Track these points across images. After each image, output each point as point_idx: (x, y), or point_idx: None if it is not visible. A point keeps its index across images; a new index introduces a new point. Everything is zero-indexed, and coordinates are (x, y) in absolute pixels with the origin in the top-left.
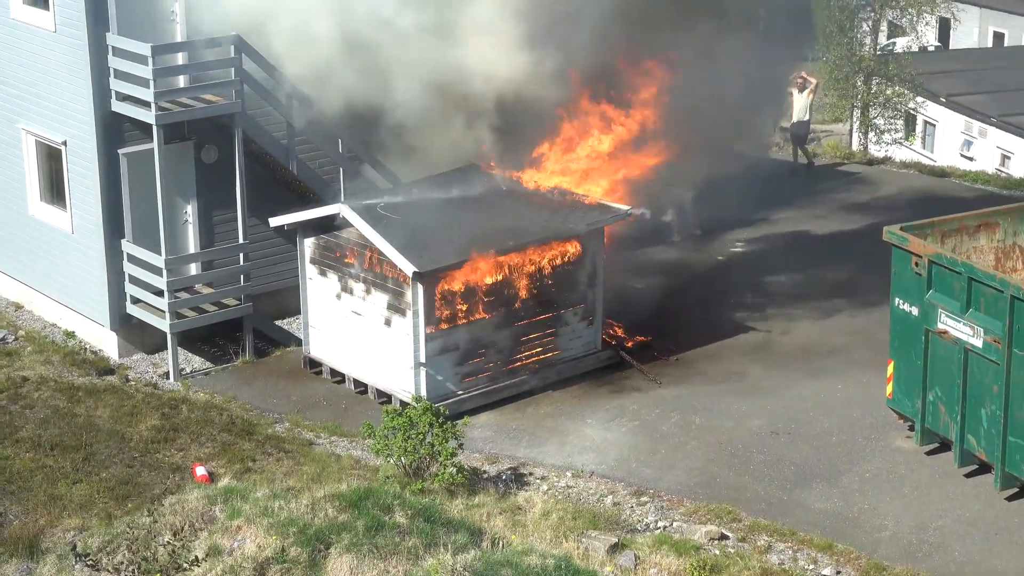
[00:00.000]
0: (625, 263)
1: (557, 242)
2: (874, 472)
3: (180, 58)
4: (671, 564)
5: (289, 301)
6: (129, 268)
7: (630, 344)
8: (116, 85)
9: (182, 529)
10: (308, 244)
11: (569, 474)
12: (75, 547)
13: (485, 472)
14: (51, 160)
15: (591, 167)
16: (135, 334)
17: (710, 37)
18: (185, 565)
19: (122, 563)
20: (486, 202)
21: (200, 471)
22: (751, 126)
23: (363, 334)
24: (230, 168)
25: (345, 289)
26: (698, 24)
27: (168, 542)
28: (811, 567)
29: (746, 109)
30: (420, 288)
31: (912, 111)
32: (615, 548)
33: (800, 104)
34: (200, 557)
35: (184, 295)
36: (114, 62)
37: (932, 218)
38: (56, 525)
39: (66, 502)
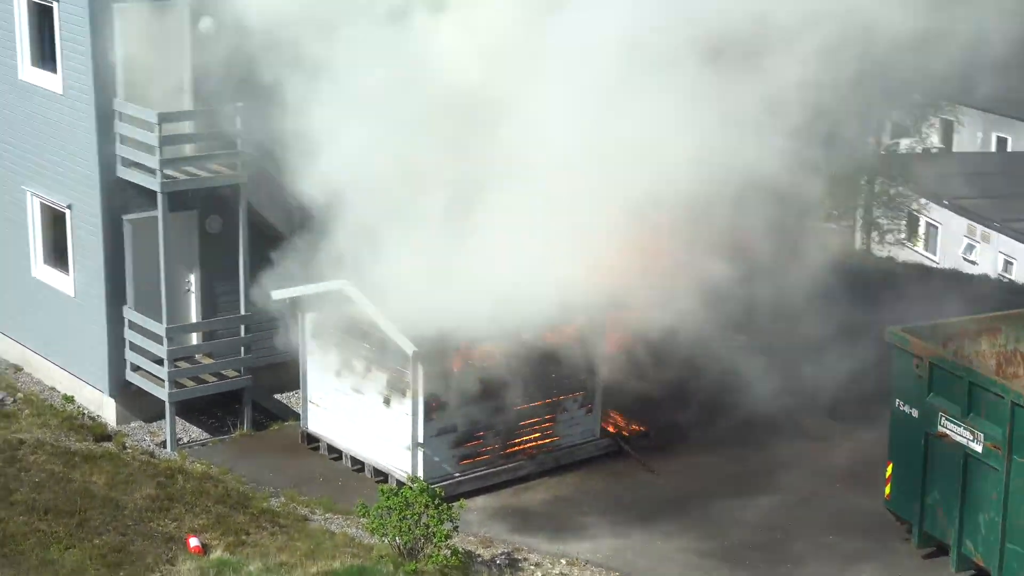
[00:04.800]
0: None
1: (558, 329)
2: (871, 574)
3: (187, 127)
4: None
5: (289, 375)
6: (130, 335)
7: (627, 434)
8: (122, 151)
9: None
10: (310, 319)
11: (564, 561)
12: None
13: (479, 556)
14: (55, 223)
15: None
16: (134, 401)
17: None
18: None
19: None
20: None
21: (194, 542)
22: None
23: (362, 412)
24: (234, 239)
25: (345, 366)
26: None
27: None
28: None
29: None
30: (420, 368)
31: (915, 212)
32: None
33: None
34: None
35: (184, 364)
36: (120, 127)
37: (935, 320)
38: None
39: (58, 567)
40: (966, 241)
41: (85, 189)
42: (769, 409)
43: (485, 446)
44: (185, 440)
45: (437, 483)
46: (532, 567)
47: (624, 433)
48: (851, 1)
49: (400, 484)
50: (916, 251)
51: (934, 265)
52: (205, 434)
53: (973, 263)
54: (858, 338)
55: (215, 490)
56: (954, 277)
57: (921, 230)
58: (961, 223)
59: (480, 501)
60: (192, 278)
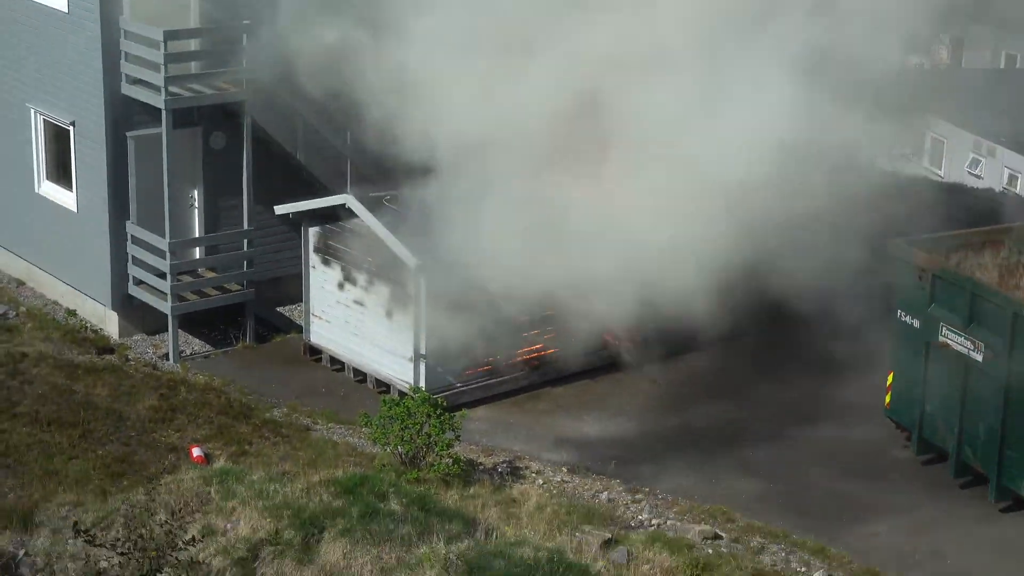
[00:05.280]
0: None
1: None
2: (871, 479)
3: (192, 44)
4: (664, 562)
5: (291, 289)
6: (133, 250)
7: (630, 344)
8: (127, 68)
9: (180, 509)
10: (313, 233)
11: (565, 469)
12: (76, 524)
13: (481, 464)
14: (59, 140)
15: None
16: (136, 315)
17: None
18: (180, 544)
19: (118, 539)
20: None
21: (196, 452)
22: None
23: (364, 324)
24: (237, 155)
25: (348, 279)
26: None
27: (165, 521)
28: (803, 569)
29: None
30: (422, 281)
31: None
32: (608, 544)
33: None
34: (195, 537)
35: (187, 278)
36: (126, 45)
37: (938, 233)
38: (51, 500)
39: (61, 477)
40: (971, 156)
41: (89, 106)
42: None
43: (487, 357)
44: (187, 352)
45: (439, 393)
46: (533, 475)
47: (626, 343)
48: None
49: (402, 394)
50: (921, 166)
51: (939, 179)
52: (207, 346)
53: (978, 178)
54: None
55: (217, 401)
56: (959, 191)
57: (927, 145)
58: (967, 138)
59: (482, 411)
60: (195, 194)
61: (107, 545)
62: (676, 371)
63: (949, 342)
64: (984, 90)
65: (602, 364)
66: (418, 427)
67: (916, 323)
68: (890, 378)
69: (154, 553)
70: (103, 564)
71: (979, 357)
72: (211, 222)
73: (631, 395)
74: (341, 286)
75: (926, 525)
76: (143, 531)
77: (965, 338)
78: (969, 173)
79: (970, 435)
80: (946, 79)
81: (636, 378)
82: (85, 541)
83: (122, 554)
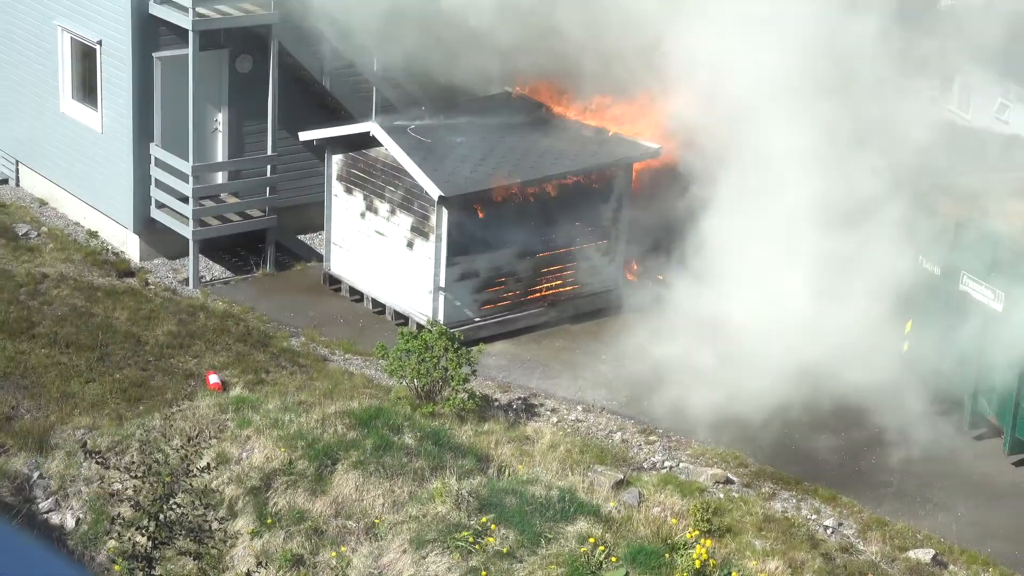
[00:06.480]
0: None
1: (584, 174)
2: (884, 429)
3: None
4: (675, 504)
5: (313, 217)
6: (156, 172)
7: (650, 281)
8: None
9: (195, 436)
10: (336, 161)
11: (580, 408)
12: (85, 444)
13: (496, 400)
14: (85, 59)
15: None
16: (158, 239)
17: None
18: (194, 471)
19: (132, 463)
20: (517, 130)
21: (213, 379)
22: None
23: (385, 255)
24: (263, 79)
25: (370, 208)
26: None
27: (179, 446)
28: (814, 517)
29: None
30: (444, 212)
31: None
32: (620, 484)
33: None
34: (209, 464)
35: (209, 203)
36: None
37: (962, 179)
38: (67, 422)
39: (78, 400)
40: (999, 101)
41: (116, 25)
42: None
43: (506, 292)
44: (207, 278)
45: (457, 327)
46: (548, 412)
47: (646, 281)
48: None
49: (420, 327)
50: (948, 110)
51: (966, 123)
52: (228, 272)
53: (1005, 123)
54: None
55: (236, 328)
56: (985, 137)
57: (954, 88)
58: (994, 82)
59: (499, 346)
60: (220, 117)
61: (121, 469)
62: (697, 311)
63: (969, 290)
64: (1015, 32)
65: (621, 302)
66: (435, 361)
67: (937, 270)
68: (908, 325)
69: (168, 478)
70: (116, 487)
71: (999, 307)
72: (235, 147)
73: (650, 334)
74: (363, 215)
75: (937, 476)
76: (157, 456)
77: (986, 287)
78: (996, 119)
79: (986, 386)
80: (976, 21)
81: (655, 317)
82: (97, 463)
83: (135, 478)
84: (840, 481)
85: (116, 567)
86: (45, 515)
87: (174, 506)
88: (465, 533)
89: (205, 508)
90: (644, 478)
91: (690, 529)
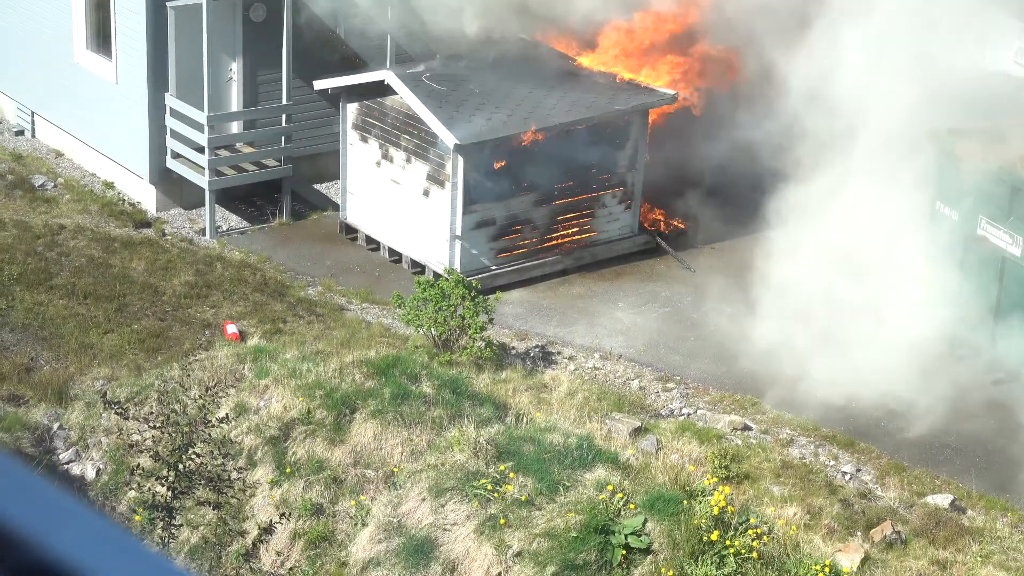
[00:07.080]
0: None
1: (600, 121)
2: (903, 374)
3: None
4: (692, 451)
5: (329, 166)
6: (171, 122)
7: (667, 230)
8: None
9: (213, 386)
10: (351, 109)
11: (597, 355)
12: (104, 395)
13: (514, 348)
14: (99, 8)
15: (648, 55)
16: (174, 189)
17: None
18: (213, 421)
19: (151, 413)
20: (533, 78)
21: (231, 329)
22: None
23: (401, 203)
24: (278, 28)
25: (385, 157)
26: None
27: (198, 397)
28: (832, 463)
29: None
30: (460, 160)
31: None
32: (638, 432)
33: None
34: (227, 414)
35: (224, 153)
36: None
37: (980, 123)
38: (86, 373)
39: (96, 351)
40: (1018, 44)
41: None
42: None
43: (523, 240)
44: (224, 228)
45: (474, 276)
46: (566, 360)
47: (662, 229)
48: None
49: (437, 276)
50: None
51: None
52: (244, 222)
53: (1023, 66)
54: None
55: (253, 278)
56: (1002, 81)
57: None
58: (1013, 25)
59: (516, 295)
60: (235, 67)
61: (140, 419)
62: (713, 259)
63: (987, 235)
64: None
65: (639, 250)
66: (452, 309)
67: (954, 215)
68: (924, 273)
69: (186, 429)
70: (135, 438)
71: (1018, 251)
72: (250, 96)
73: (667, 283)
74: (378, 164)
75: (956, 422)
76: (176, 406)
77: (1003, 231)
78: (1015, 63)
79: (1005, 331)
80: None
81: (673, 266)
82: (116, 414)
83: (155, 428)
84: (858, 427)
85: (136, 517)
86: (65, 466)
87: (193, 456)
88: (484, 481)
89: (224, 458)
90: (662, 425)
91: (708, 476)
